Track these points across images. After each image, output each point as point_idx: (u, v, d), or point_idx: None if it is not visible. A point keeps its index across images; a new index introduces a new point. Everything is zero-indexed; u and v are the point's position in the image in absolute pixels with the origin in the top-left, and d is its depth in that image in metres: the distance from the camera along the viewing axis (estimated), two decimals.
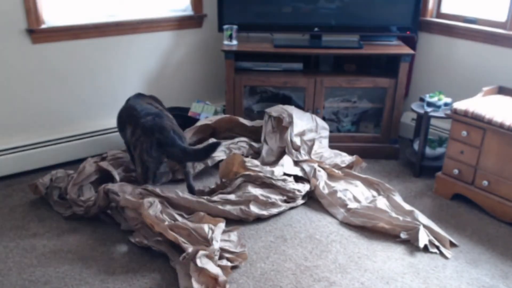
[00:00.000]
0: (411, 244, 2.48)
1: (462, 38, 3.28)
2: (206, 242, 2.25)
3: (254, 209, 2.62)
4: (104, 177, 2.83)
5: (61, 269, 2.27)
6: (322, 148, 3.17)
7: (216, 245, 2.23)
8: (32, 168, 3.09)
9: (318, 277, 2.25)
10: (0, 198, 2.85)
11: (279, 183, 2.76)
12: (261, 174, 2.77)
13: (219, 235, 2.30)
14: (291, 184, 2.81)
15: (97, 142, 3.29)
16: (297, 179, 2.93)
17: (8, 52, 2.89)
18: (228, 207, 2.59)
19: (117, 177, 2.79)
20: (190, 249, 2.18)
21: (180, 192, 2.61)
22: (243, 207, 2.60)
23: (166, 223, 2.36)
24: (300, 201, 2.82)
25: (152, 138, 2.57)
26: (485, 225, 2.67)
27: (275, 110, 3.20)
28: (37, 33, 2.94)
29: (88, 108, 3.29)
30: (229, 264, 2.23)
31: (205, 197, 2.64)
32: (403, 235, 2.50)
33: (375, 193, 2.87)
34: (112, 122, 3.39)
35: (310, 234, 2.57)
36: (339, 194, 2.77)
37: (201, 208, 2.56)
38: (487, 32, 3.12)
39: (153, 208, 2.42)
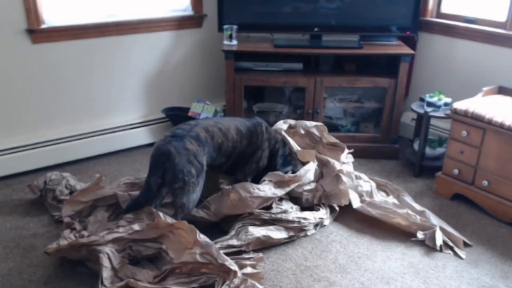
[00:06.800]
0: (411, 244, 2.48)
1: (462, 38, 3.28)
2: (211, 265, 2.10)
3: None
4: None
5: (61, 269, 2.27)
6: None
7: (238, 271, 2.06)
8: (32, 168, 3.09)
9: (318, 277, 2.25)
10: (0, 198, 2.85)
11: (279, 216, 2.49)
12: (257, 212, 2.49)
13: (224, 255, 2.11)
14: (294, 213, 2.52)
15: (97, 142, 3.29)
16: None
17: (8, 52, 2.89)
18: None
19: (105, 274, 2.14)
20: None
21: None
22: (243, 249, 2.37)
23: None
24: (311, 231, 2.55)
25: None
26: (485, 225, 2.67)
27: None
28: (37, 33, 2.94)
29: (88, 108, 3.29)
30: (250, 269, 2.14)
31: None
32: (419, 235, 2.49)
33: (384, 194, 2.87)
34: (112, 122, 3.40)
35: (310, 234, 2.56)
36: (360, 188, 2.75)
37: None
38: (487, 32, 3.12)
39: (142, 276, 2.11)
